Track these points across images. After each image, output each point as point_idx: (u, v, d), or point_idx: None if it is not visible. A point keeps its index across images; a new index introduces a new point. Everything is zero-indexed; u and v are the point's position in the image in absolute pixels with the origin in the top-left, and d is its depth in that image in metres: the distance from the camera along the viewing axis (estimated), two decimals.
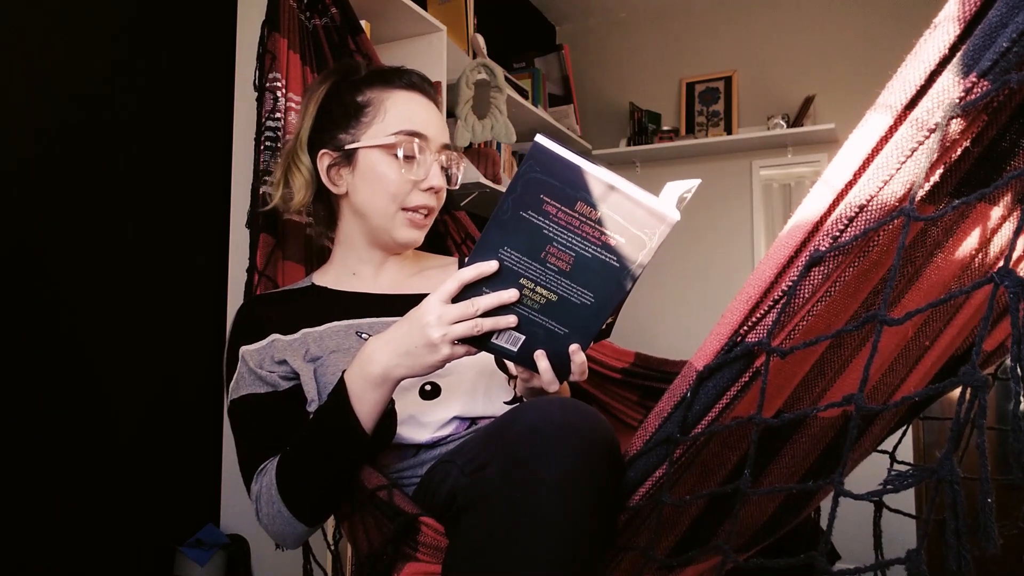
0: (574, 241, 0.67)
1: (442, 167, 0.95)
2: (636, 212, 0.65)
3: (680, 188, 0.68)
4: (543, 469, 0.57)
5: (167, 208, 1.47)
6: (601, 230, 0.66)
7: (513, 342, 0.73)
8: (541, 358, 0.73)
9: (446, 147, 0.96)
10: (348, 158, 0.94)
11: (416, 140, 0.92)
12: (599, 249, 0.67)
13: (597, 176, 0.64)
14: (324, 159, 0.95)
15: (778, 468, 0.65)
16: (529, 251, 0.68)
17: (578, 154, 0.65)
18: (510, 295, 0.70)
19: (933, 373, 0.65)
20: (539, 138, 0.64)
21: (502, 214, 0.67)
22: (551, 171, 0.64)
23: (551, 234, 0.67)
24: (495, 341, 0.73)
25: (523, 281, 0.70)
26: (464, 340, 0.71)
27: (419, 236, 0.96)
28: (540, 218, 0.66)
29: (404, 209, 0.93)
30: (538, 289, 0.70)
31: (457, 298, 0.71)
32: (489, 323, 0.70)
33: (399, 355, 0.73)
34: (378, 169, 0.92)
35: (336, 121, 0.95)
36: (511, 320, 0.71)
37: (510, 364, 0.89)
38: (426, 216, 0.95)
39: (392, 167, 0.91)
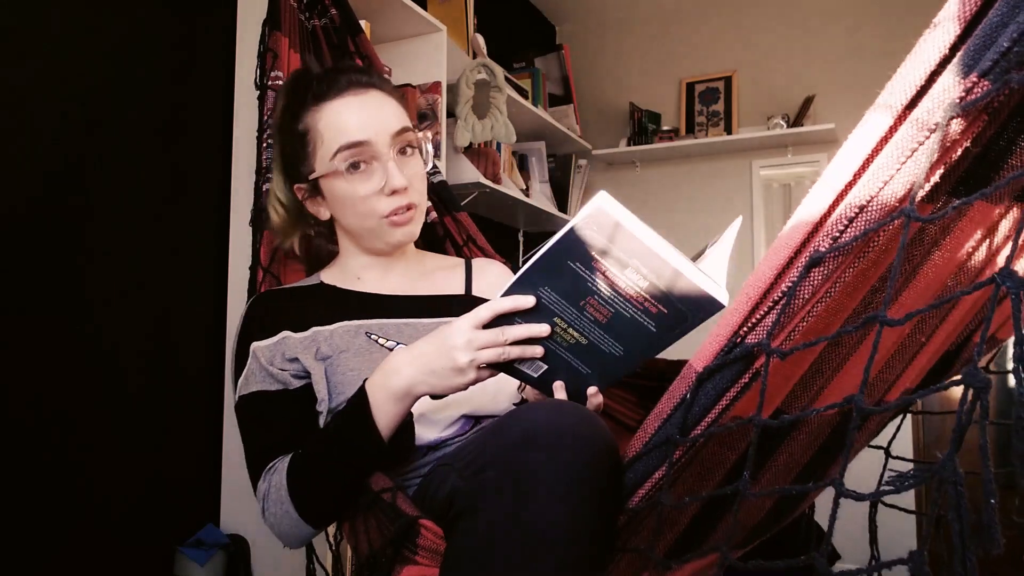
0: (616, 301, 0.66)
1: (400, 151, 0.91)
2: (687, 291, 0.63)
3: (729, 239, 0.68)
4: (541, 472, 0.57)
5: (167, 206, 1.46)
6: (646, 297, 0.65)
7: (535, 369, 0.73)
8: (559, 390, 0.73)
9: (400, 133, 0.90)
10: (315, 188, 0.93)
11: (357, 151, 0.87)
12: (639, 313, 0.66)
13: (654, 250, 0.62)
14: (300, 192, 0.95)
15: (775, 465, 0.65)
16: (569, 296, 0.67)
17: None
18: (541, 330, 0.69)
19: (928, 367, 0.65)
20: (603, 198, 0.62)
21: (549, 257, 0.65)
22: (607, 234, 0.63)
23: (594, 288, 0.65)
24: (518, 366, 0.73)
25: (556, 320, 0.69)
26: (489, 364, 0.71)
27: (411, 231, 0.93)
28: (587, 272, 0.65)
29: (383, 217, 0.90)
30: (570, 330, 0.69)
31: (488, 324, 0.70)
32: (516, 352, 0.70)
33: (425, 373, 0.73)
34: (338, 193, 0.90)
35: (293, 154, 0.93)
36: (538, 351, 0.71)
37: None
38: (408, 211, 0.91)
39: (349, 187, 0.89)
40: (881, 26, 2.72)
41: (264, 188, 1.13)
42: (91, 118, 1.33)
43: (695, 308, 0.64)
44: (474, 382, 0.72)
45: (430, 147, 0.96)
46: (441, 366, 0.72)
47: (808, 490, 0.48)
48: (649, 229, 0.63)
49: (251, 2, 1.55)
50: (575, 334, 0.69)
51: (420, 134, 0.95)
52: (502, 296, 0.69)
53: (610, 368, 0.70)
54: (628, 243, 0.62)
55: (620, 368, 0.70)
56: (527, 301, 0.68)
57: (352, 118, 0.89)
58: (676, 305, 0.64)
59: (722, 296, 0.63)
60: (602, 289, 0.65)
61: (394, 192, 0.89)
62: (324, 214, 0.95)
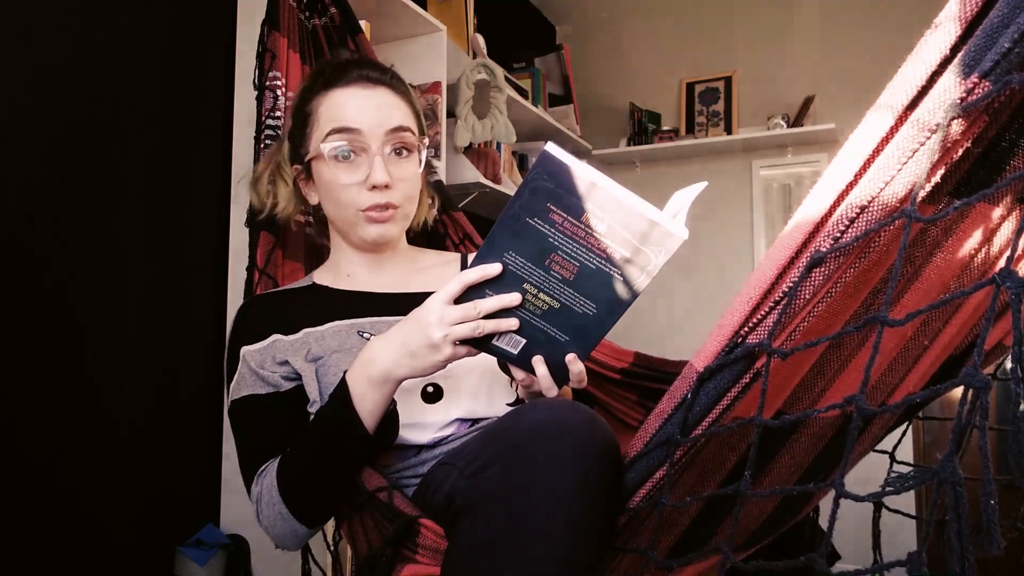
0: (579, 251, 0.66)
1: (395, 151, 0.90)
2: (643, 227, 0.64)
3: (687, 196, 0.68)
4: (542, 471, 0.57)
5: (167, 206, 1.46)
6: (607, 243, 0.65)
7: (514, 345, 0.73)
8: (539, 364, 0.73)
9: (395, 130, 0.89)
10: (308, 171, 0.94)
11: (346, 137, 0.87)
12: (603, 262, 0.66)
13: (604, 189, 0.63)
14: (295, 172, 0.96)
15: (777, 467, 0.65)
16: (534, 257, 0.68)
17: (584, 160, 0.64)
18: (512, 299, 0.70)
19: (932, 372, 0.65)
20: (549, 146, 0.63)
21: (508, 218, 0.66)
22: (559, 181, 0.63)
23: (556, 242, 0.66)
24: (496, 343, 0.73)
25: (526, 286, 0.69)
26: (465, 341, 0.71)
27: (386, 231, 0.91)
28: (546, 226, 0.66)
29: (360, 210, 0.90)
30: (540, 295, 0.70)
31: (460, 299, 0.71)
32: (491, 325, 0.70)
33: (401, 355, 0.73)
34: (324, 178, 0.90)
35: (296, 135, 0.95)
36: (512, 323, 0.71)
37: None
38: (385, 210, 0.90)
39: (334, 173, 0.88)
40: (881, 26, 2.72)
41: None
42: (90, 118, 1.33)
43: (655, 245, 0.65)
44: (451, 359, 0.72)
45: (424, 154, 0.94)
46: (417, 345, 0.72)
47: (809, 491, 0.48)
48: (599, 173, 0.64)
49: (251, 2, 1.55)
50: (546, 298, 0.70)
51: (420, 139, 0.94)
52: (468, 267, 0.70)
53: (586, 330, 0.71)
54: (579, 188, 0.63)
55: (596, 330, 0.71)
56: (493, 268, 0.69)
57: (351, 107, 0.89)
58: (636, 245, 0.65)
59: (680, 229, 0.65)
60: (564, 242, 0.66)
61: (374, 187, 0.88)
62: (313, 198, 0.96)
